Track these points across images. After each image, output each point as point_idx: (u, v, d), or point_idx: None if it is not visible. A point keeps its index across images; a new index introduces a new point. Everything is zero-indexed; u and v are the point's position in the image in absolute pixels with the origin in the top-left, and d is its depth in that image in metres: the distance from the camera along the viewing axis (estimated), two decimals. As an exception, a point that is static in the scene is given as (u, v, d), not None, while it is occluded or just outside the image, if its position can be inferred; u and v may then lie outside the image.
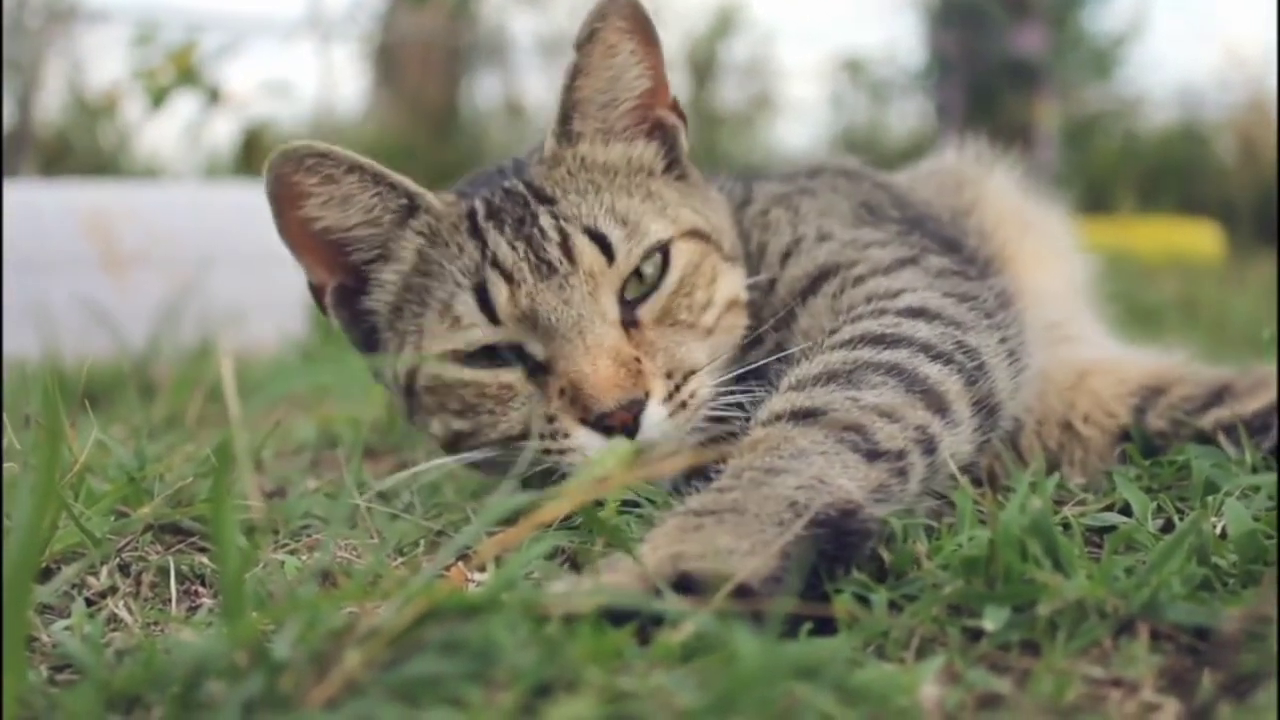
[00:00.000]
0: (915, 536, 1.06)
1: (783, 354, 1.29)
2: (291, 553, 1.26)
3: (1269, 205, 7.82)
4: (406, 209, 1.36)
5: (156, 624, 1.08)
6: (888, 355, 1.18)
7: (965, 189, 1.73)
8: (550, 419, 1.26)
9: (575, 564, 1.15)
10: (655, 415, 1.24)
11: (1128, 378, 1.50)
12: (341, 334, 1.47)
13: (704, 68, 11.03)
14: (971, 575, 0.96)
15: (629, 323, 1.30)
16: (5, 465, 1.29)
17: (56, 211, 3.24)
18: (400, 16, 10.06)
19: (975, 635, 0.91)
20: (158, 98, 4.31)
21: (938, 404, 1.14)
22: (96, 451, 1.44)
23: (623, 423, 1.22)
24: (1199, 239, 7.10)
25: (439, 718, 0.74)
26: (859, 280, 1.36)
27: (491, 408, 1.31)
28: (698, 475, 1.13)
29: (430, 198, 1.37)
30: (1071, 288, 1.72)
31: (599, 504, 1.14)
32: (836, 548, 0.96)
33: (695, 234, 1.37)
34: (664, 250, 1.33)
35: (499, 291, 1.28)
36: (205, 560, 1.23)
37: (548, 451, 1.25)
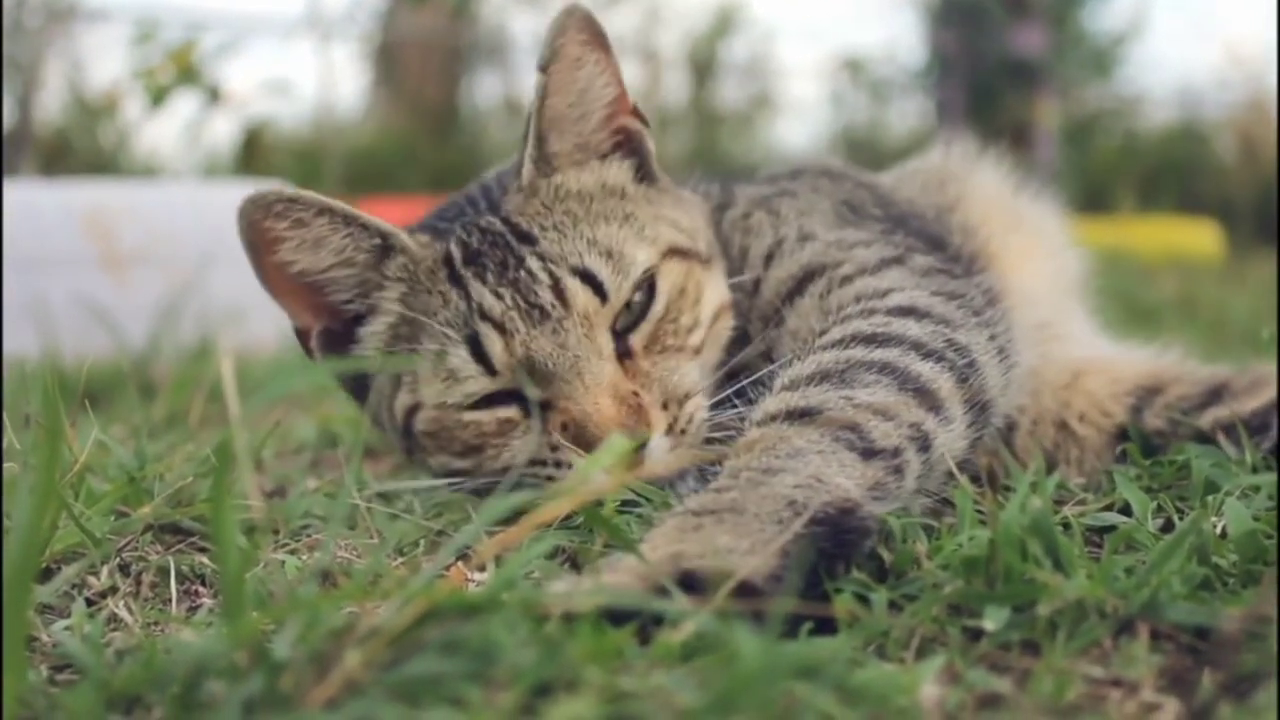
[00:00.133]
0: (915, 536, 1.06)
1: (773, 366, 1.29)
2: (292, 553, 1.26)
3: (1269, 204, 7.83)
4: (381, 249, 1.36)
5: (157, 624, 1.08)
6: (879, 354, 1.18)
7: (949, 185, 1.73)
8: (554, 449, 1.27)
9: (575, 563, 1.15)
10: (660, 448, 1.25)
11: (1123, 377, 1.50)
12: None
13: (704, 67, 11.04)
14: (972, 575, 0.96)
15: (623, 353, 1.31)
16: (5, 465, 1.29)
17: (56, 210, 3.24)
18: (400, 16, 10.07)
19: (975, 635, 0.91)
20: (157, 97, 4.32)
21: (931, 402, 1.15)
22: (96, 451, 1.43)
23: None
24: (1198, 238, 7.10)
25: (439, 718, 0.74)
26: (846, 280, 1.37)
27: (493, 443, 1.32)
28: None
29: (405, 238, 1.36)
30: (1062, 285, 1.72)
31: (599, 503, 1.14)
32: (836, 546, 0.96)
33: (675, 252, 1.37)
34: (649, 277, 1.34)
35: (493, 344, 1.28)
36: (205, 560, 1.23)
37: (550, 477, 1.27)
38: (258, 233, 1.32)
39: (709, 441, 1.29)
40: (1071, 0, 10.24)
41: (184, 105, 4.52)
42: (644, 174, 1.44)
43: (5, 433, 1.37)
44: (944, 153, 1.82)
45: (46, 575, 1.14)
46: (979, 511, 1.08)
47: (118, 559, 1.21)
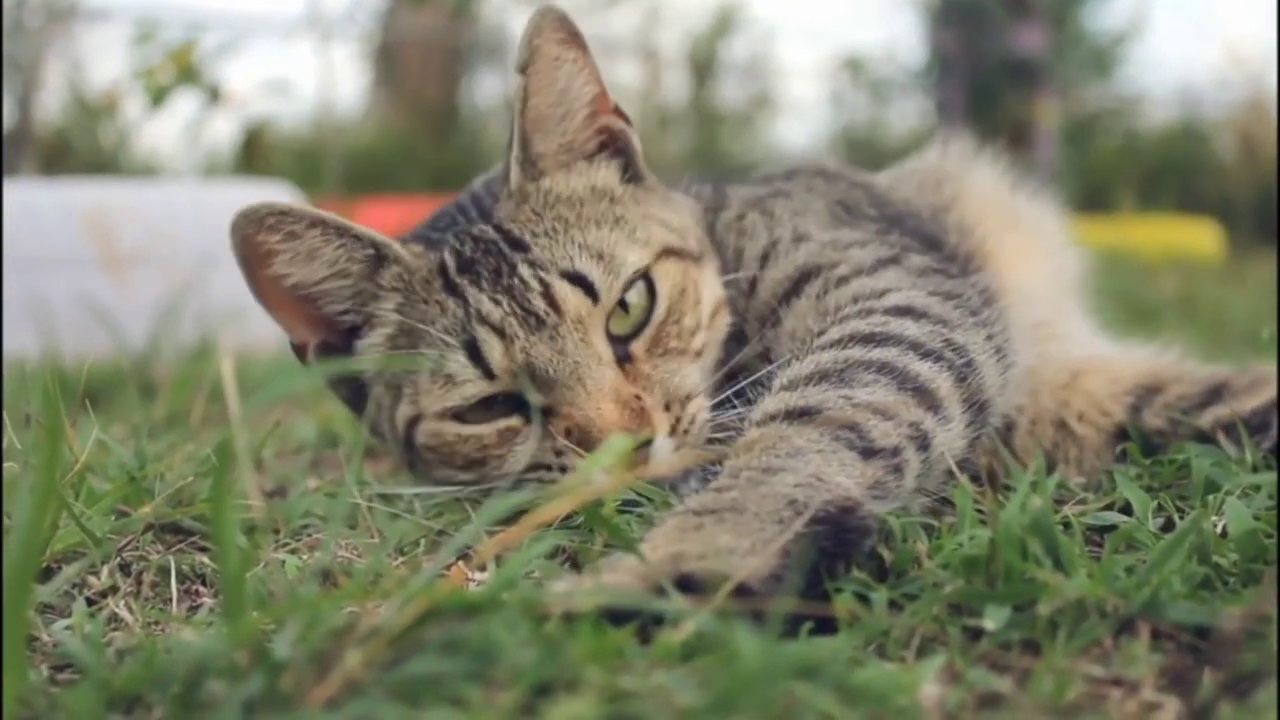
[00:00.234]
0: (915, 535, 1.06)
1: (771, 367, 1.29)
2: (292, 552, 1.26)
3: (1269, 204, 7.83)
4: (374, 259, 1.36)
5: (157, 623, 1.08)
6: (878, 354, 1.18)
7: (945, 185, 1.73)
8: (558, 453, 1.28)
9: (575, 563, 1.15)
10: (663, 450, 1.26)
11: (1122, 376, 1.50)
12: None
13: (704, 67, 11.04)
14: (972, 574, 0.96)
15: (623, 358, 1.31)
16: (5, 465, 1.29)
17: (56, 210, 3.24)
18: (400, 16, 10.07)
19: (976, 634, 0.91)
20: (157, 97, 4.32)
21: (930, 401, 1.15)
22: (97, 451, 1.43)
23: None
24: (1198, 238, 7.10)
25: (439, 718, 0.74)
26: (842, 281, 1.37)
27: (495, 454, 1.33)
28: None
29: (398, 248, 1.36)
30: (1060, 284, 1.71)
31: (599, 503, 1.14)
32: (836, 545, 0.96)
33: (669, 252, 1.38)
34: (646, 278, 1.34)
35: (492, 348, 1.28)
36: (206, 560, 1.23)
37: (555, 481, 1.28)
38: (250, 247, 1.32)
39: (710, 442, 1.29)
40: (1071, 0, 10.25)
41: (184, 105, 4.52)
42: (631, 174, 1.44)
43: (5, 432, 1.37)
44: (941, 152, 1.82)
45: (47, 575, 1.14)
46: (979, 511, 1.08)
47: (118, 558, 1.21)
